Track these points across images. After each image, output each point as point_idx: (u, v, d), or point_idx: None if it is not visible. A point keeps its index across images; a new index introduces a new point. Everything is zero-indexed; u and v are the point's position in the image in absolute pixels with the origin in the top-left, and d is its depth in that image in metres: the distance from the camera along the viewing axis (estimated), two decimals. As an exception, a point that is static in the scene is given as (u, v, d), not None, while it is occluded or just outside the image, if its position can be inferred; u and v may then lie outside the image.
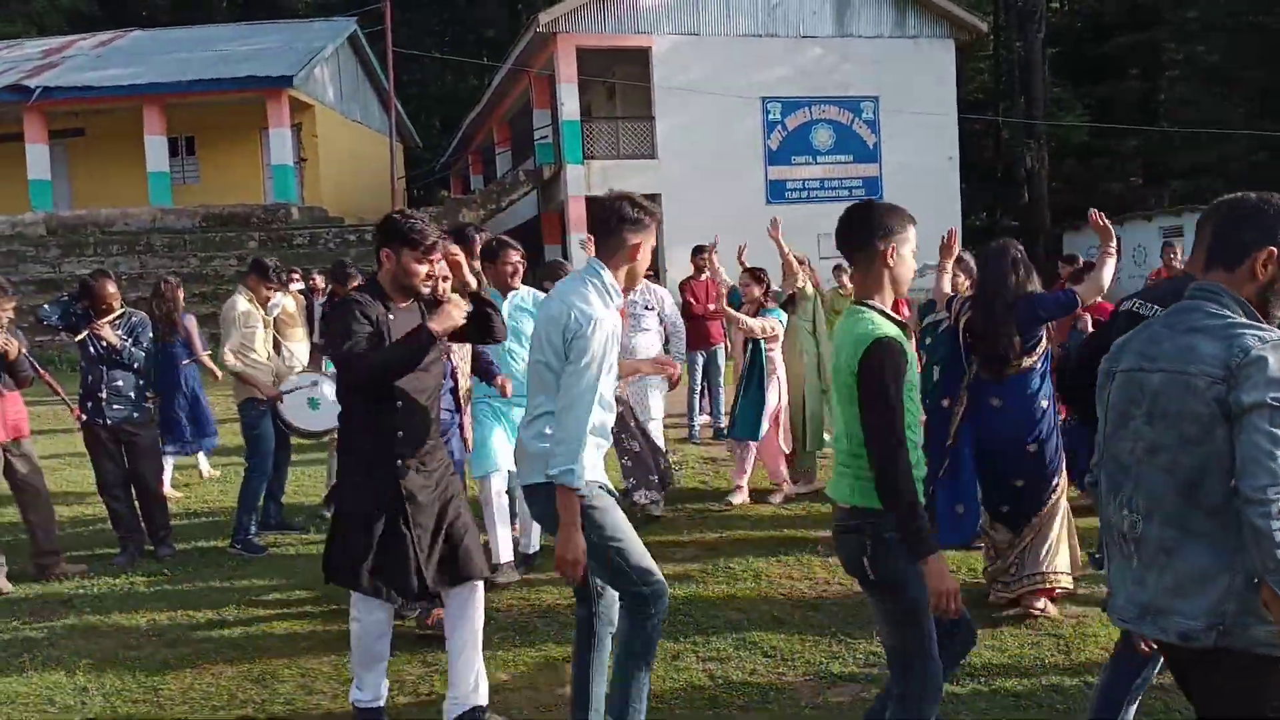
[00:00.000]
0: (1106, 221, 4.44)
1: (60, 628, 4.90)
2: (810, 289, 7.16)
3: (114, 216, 22.31)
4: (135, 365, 5.83)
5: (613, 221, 3.05)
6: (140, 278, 19.43)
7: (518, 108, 26.94)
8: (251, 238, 21.36)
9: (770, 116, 22.08)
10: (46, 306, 6.20)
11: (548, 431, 3.03)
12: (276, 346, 7.28)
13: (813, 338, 7.03)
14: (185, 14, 34.65)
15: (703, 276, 9.08)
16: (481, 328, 3.59)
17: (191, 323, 7.53)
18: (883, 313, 2.68)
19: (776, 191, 21.82)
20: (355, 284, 7.14)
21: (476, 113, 29.17)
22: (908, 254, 2.73)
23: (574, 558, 2.96)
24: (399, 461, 3.38)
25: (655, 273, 14.96)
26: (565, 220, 21.45)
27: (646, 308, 7.13)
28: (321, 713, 3.87)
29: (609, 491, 3.14)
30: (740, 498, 6.69)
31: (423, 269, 3.42)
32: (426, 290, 3.48)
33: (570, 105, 21.24)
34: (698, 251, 9.05)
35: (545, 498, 3.05)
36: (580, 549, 2.96)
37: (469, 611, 3.54)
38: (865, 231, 2.72)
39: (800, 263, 6.96)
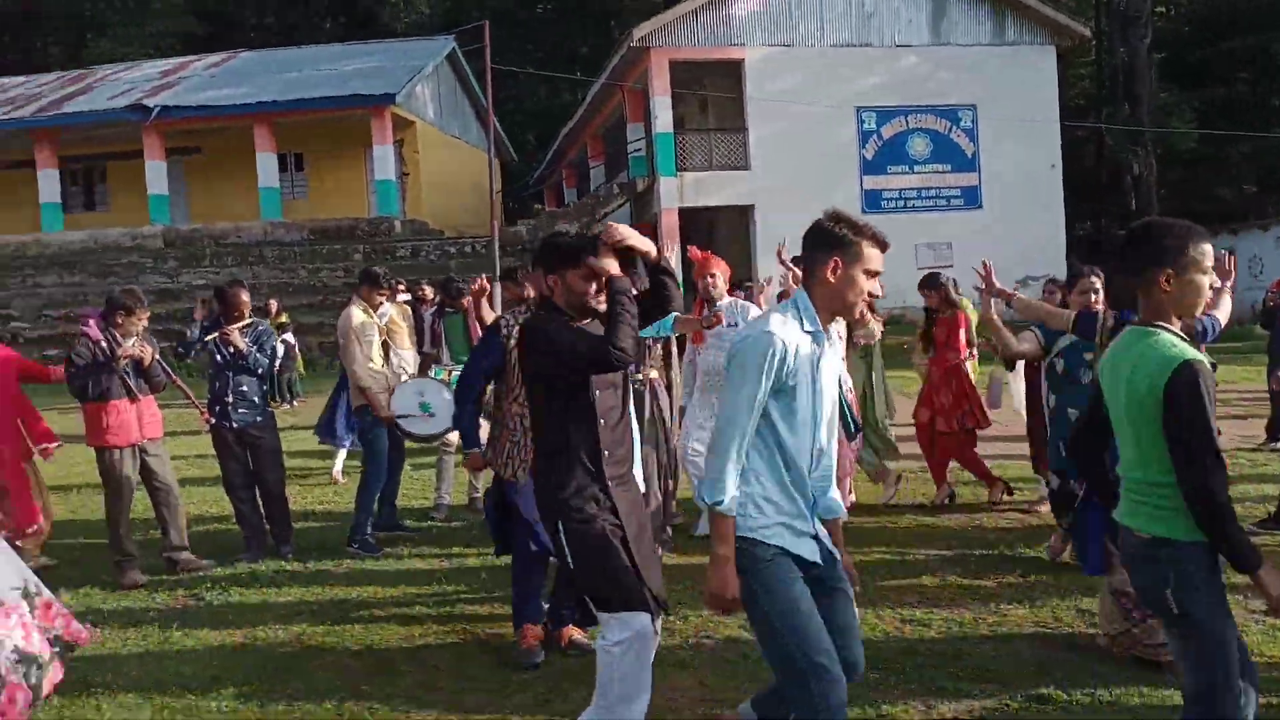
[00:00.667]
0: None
1: (192, 619, 5.16)
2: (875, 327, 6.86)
3: (227, 230, 23.31)
4: (259, 371, 6.11)
5: (807, 240, 2.77)
6: (253, 288, 20.19)
7: (611, 121, 27.29)
8: (357, 250, 22.06)
9: (865, 126, 21.92)
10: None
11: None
12: (386, 353, 7.53)
13: (866, 370, 6.89)
14: (291, 35, 36.02)
15: (800, 287, 8.92)
16: (658, 298, 3.38)
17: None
18: (1178, 335, 2.55)
19: (872, 201, 21.63)
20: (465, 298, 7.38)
21: (570, 127, 29.62)
22: (1196, 277, 2.56)
23: (723, 593, 2.66)
24: (609, 480, 3.25)
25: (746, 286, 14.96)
26: (659, 232, 21.61)
27: (730, 324, 6.42)
28: (444, 706, 4.00)
29: (790, 554, 2.75)
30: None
31: (591, 285, 3.34)
32: (601, 305, 3.32)
33: (664, 118, 21.42)
34: (796, 263, 9.02)
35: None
36: (731, 587, 2.65)
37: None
38: (1141, 257, 2.58)
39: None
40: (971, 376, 10.14)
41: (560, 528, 3.24)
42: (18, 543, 6.07)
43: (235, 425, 6.10)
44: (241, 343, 5.98)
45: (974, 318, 9.49)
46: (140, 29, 36.13)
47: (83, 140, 24.79)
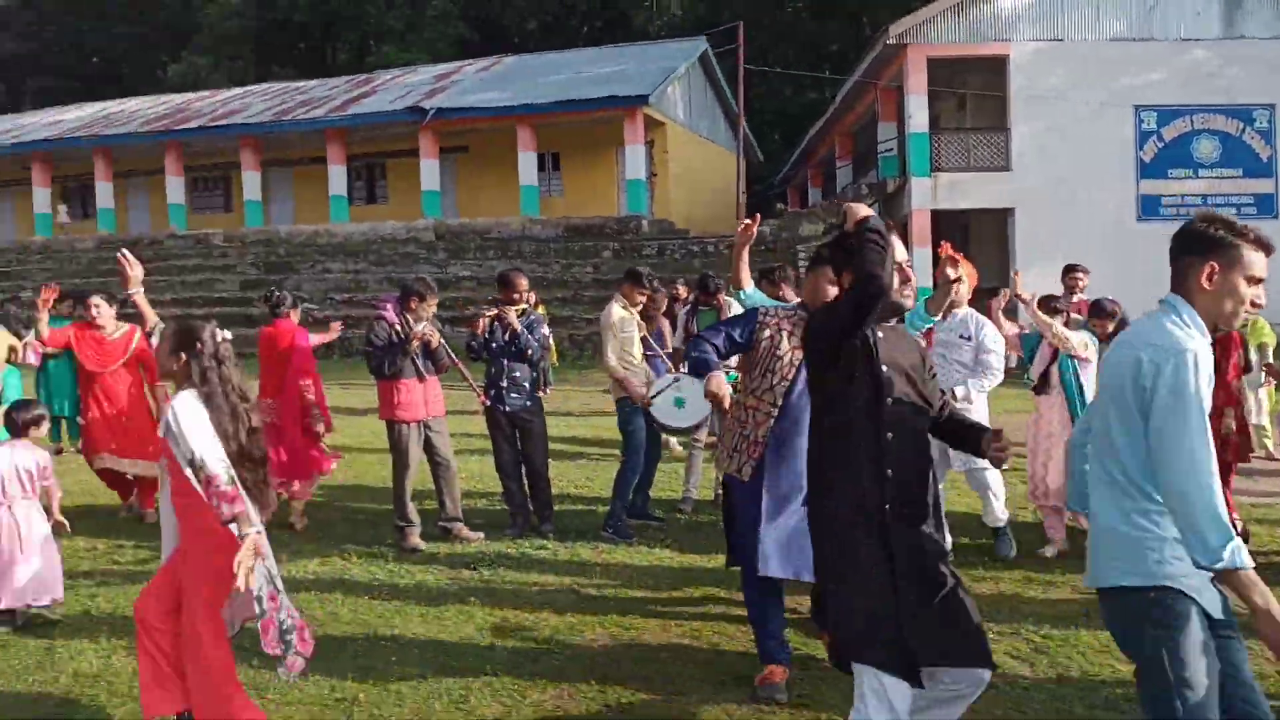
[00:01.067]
0: None
1: (467, 585, 5.55)
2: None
3: (489, 225, 24.76)
4: (532, 356, 6.46)
5: (1176, 244, 2.58)
6: (508, 280, 21.42)
7: (862, 120, 26.78)
8: (606, 247, 22.83)
9: (1144, 126, 20.30)
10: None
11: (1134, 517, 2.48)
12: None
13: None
14: (551, 39, 37.76)
15: (1075, 298, 8.27)
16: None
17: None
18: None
19: (1149, 207, 20.02)
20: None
21: (819, 126, 29.31)
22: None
23: None
24: (886, 508, 2.89)
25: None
26: (909, 234, 21.00)
27: (962, 336, 6.01)
28: (705, 690, 4.10)
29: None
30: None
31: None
32: (907, 300, 3.26)
33: (919, 117, 20.76)
34: (1069, 271, 8.50)
35: (1121, 605, 2.54)
36: None
37: (956, 707, 3.02)
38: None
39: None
40: (1264, 405, 9.23)
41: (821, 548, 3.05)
42: (299, 485, 6.84)
43: (508, 409, 6.49)
44: (518, 324, 6.35)
45: (1270, 340, 8.61)
46: (418, 36, 39.08)
47: (366, 139, 27.11)
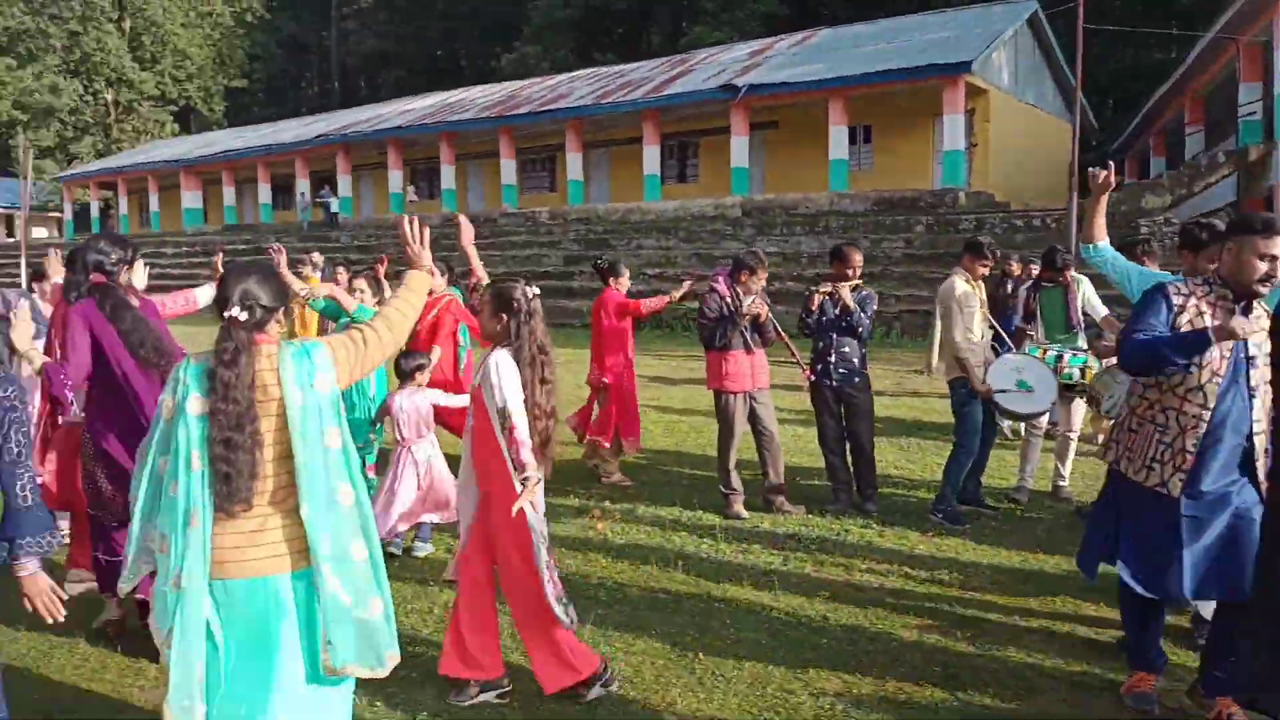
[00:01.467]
0: None
1: (794, 557, 5.56)
2: None
3: (797, 200, 24.64)
4: (861, 332, 6.34)
5: None
6: (817, 257, 21.24)
7: (1218, 81, 23.92)
8: (919, 221, 21.99)
9: None
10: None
11: None
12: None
13: None
14: (864, 11, 36.70)
15: None
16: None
17: None
18: None
19: None
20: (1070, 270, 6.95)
21: (1165, 89, 26.53)
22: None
23: None
24: None
25: None
26: (1273, 207, 18.54)
27: None
28: (1060, 692, 3.86)
29: None
30: None
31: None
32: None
33: (1292, 73, 18.23)
34: None
35: None
36: None
37: None
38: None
39: None
40: None
41: None
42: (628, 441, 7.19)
43: (835, 384, 6.42)
44: (851, 301, 6.25)
45: None
46: (731, 15, 39.48)
47: (680, 118, 27.82)
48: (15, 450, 2.72)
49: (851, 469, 6.58)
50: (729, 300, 6.31)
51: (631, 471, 7.61)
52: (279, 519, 2.78)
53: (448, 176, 31.80)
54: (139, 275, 4.53)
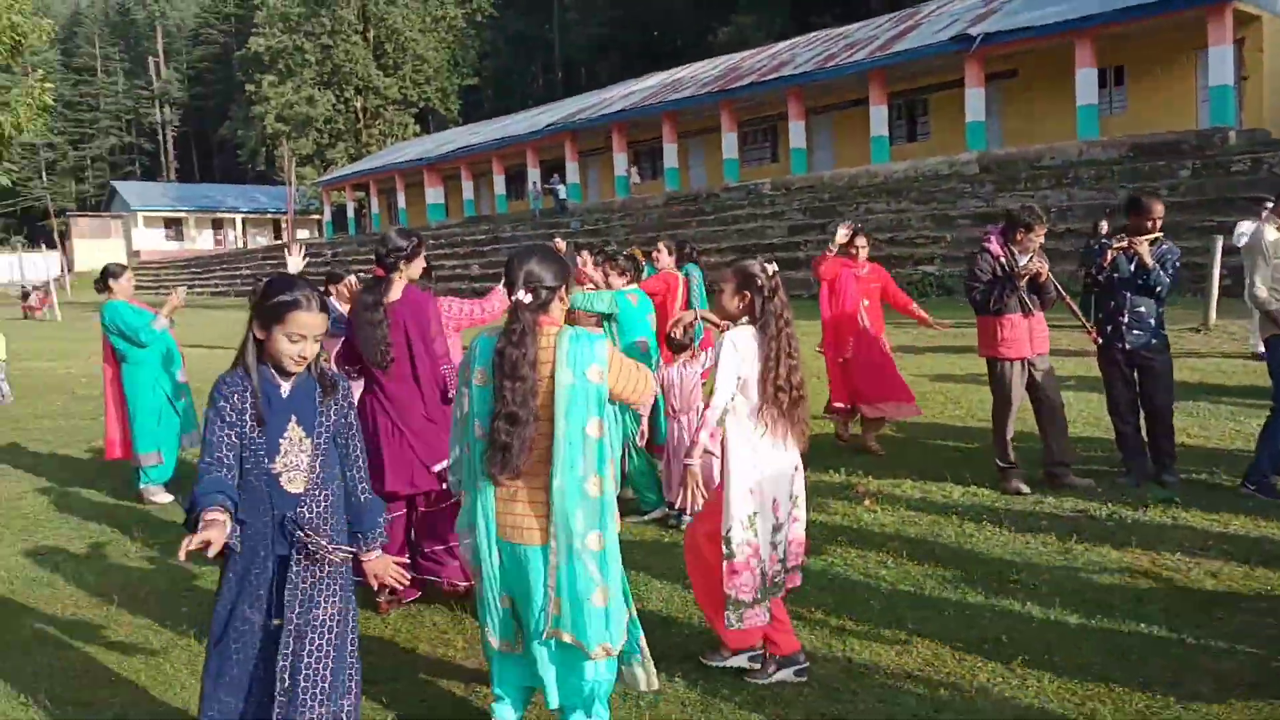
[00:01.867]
0: None
1: (1089, 538, 5.14)
2: None
3: (1041, 152, 23.09)
4: (1160, 291, 5.78)
5: None
6: (1067, 210, 19.83)
7: None
8: (1183, 166, 20.07)
9: None
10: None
11: None
12: None
13: None
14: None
15: None
16: None
17: None
18: None
19: None
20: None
21: None
22: None
23: None
24: None
25: None
26: None
27: None
28: None
29: None
30: None
31: None
32: None
33: None
34: None
35: None
36: None
37: None
38: None
39: None
40: None
41: None
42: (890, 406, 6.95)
43: (1128, 346, 5.89)
44: (1149, 257, 5.71)
45: None
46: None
47: (907, 76, 26.69)
48: (355, 454, 2.94)
49: (1146, 437, 6.03)
50: (1003, 260, 5.91)
51: (888, 445, 7.35)
52: (531, 494, 2.96)
53: (670, 155, 32.07)
54: (415, 268, 4.73)
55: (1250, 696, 3.38)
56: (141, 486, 6.80)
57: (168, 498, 6.81)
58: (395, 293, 4.52)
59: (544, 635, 2.98)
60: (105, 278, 6.79)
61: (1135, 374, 5.97)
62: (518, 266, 2.97)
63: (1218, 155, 20.23)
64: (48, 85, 10.42)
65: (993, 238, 6.02)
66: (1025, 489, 5.96)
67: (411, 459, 4.42)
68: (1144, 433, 6.05)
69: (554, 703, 3.09)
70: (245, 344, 2.74)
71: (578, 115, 35.94)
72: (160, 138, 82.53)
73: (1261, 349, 6.64)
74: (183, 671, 3.99)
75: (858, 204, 24.84)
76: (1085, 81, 22.53)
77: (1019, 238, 5.90)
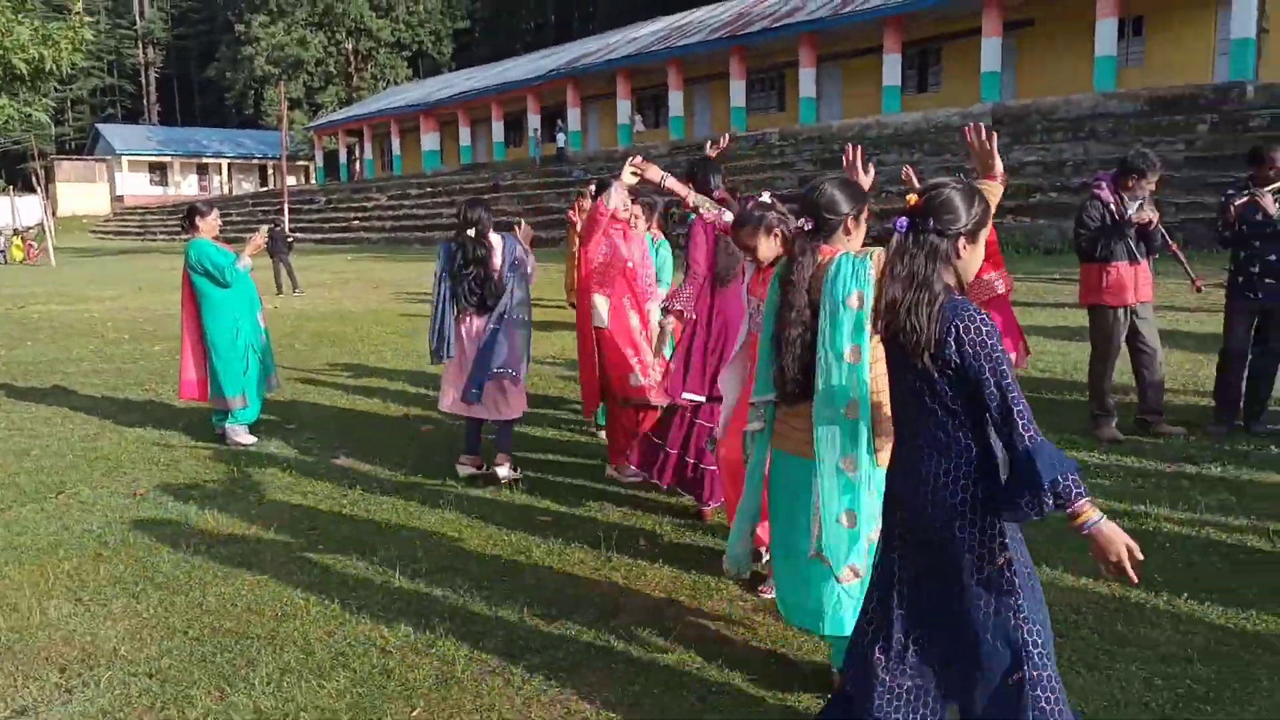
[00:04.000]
0: None
1: (1198, 485, 5.19)
2: None
3: (1056, 104, 23.00)
4: None
5: None
6: (1082, 164, 19.79)
7: None
8: (1201, 120, 20.06)
9: None
10: None
11: None
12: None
13: None
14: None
15: None
16: None
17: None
18: None
19: None
20: None
21: None
22: None
23: None
24: None
25: None
26: None
27: None
28: None
29: None
30: None
31: None
32: None
33: None
34: None
35: None
36: None
37: None
38: None
39: None
40: None
41: None
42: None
43: (1260, 295, 5.86)
44: (1272, 207, 5.68)
45: None
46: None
47: (923, 23, 26.41)
48: None
49: (1246, 388, 6.06)
50: (1114, 207, 5.88)
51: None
52: (797, 410, 3.06)
53: (675, 103, 31.74)
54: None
55: None
56: (227, 427, 6.73)
57: (251, 439, 6.74)
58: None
59: (809, 554, 2.99)
60: (192, 216, 6.66)
61: (1254, 324, 5.96)
62: (811, 195, 3.02)
63: (1236, 110, 20.19)
64: (88, 19, 10.12)
65: (1104, 184, 5.97)
66: (1119, 436, 5.99)
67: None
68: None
69: None
70: None
71: (581, 60, 35.45)
72: (143, 79, 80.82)
73: None
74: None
75: (870, 155, 24.61)
76: (1105, 32, 22.40)
77: (1130, 184, 5.86)
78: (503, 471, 5.59)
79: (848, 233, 3.04)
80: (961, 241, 2.36)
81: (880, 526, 2.70)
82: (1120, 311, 5.98)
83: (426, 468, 6.02)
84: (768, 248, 3.59)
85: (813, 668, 3.38)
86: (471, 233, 5.48)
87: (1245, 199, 5.77)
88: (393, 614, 3.92)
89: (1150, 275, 6.06)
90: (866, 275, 2.86)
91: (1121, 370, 6.30)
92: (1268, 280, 5.80)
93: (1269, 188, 5.70)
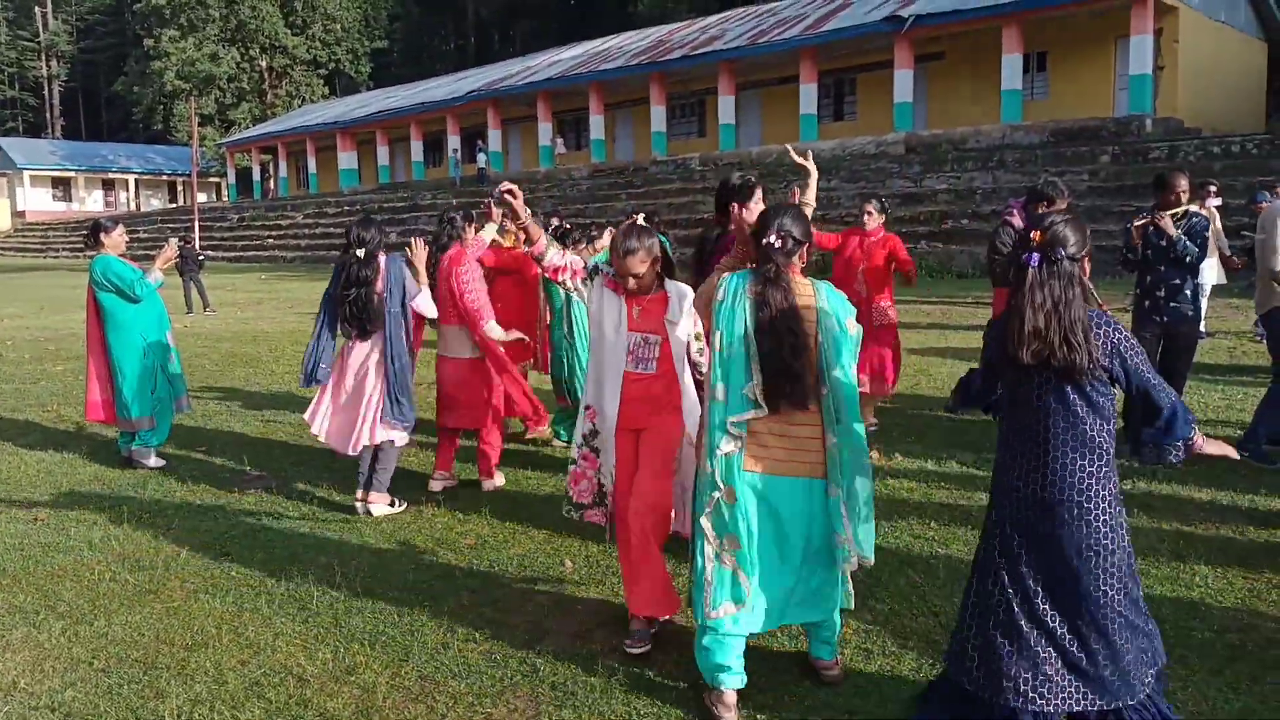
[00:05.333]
0: None
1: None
2: None
3: (967, 134, 23.74)
4: (1188, 260, 5.93)
5: None
6: (992, 193, 20.43)
7: None
8: (1103, 152, 20.89)
9: None
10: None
11: None
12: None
13: None
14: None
15: None
16: None
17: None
18: None
19: None
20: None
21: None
22: None
23: None
24: None
25: None
26: None
27: None
28: None
29: None
30: None
31: None
32: None
33: None
34: None
35: None
36: None
37: None
38: None
39: None
40: None
41: None
42: None
43: (1163, 319, 6.03)
44: (1172, 230, 5.90)
45: None
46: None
47: (838, 55, 27.03)
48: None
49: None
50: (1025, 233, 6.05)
51: (881, 416, 7.49)
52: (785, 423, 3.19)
53: (596, 127, 31.87)
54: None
55: None
56: (134, 449, 6.46)
57: (160, 462, 6.49)
58: None
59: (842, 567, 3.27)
60: (96, 232, 6.40)
61: (1160, 348, 6.16)
62: (771, 218, 3.16)
63: (1135, 142, 21.12)
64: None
65: (1015, 211, 6.15)
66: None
67: None
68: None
69: None
70: None
71: (503, 82, 35.39)
72: (46, 93, 77.99)
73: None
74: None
75: (786, 180, 25.06)
76: (1011, 66, 23.21)
77: (1040, 211, 6.03)
78: (376, 510, 5.37)
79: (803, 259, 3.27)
80: (1085, 263, 2.75)
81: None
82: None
83: (343, 490, 5.86)
84: (651, 274, 3.66)
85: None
86: (360, 253, 5.18)
87: (1145, 218, 5.99)
88: (310, 641, 3.80)
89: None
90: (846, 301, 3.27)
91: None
92: (1172, 304, 6.02)
93: (1169, 212, 5.93)
